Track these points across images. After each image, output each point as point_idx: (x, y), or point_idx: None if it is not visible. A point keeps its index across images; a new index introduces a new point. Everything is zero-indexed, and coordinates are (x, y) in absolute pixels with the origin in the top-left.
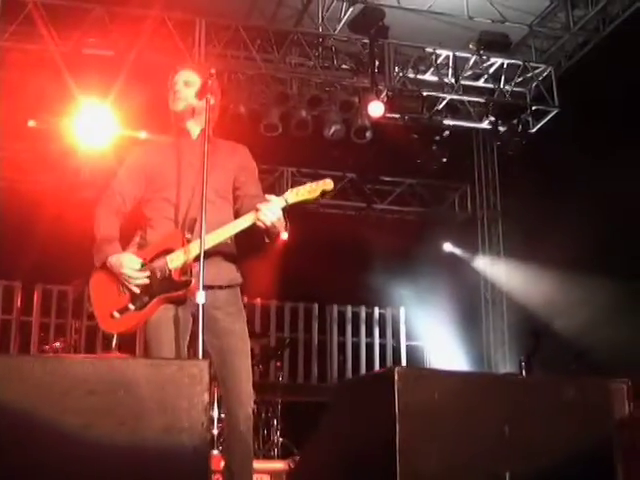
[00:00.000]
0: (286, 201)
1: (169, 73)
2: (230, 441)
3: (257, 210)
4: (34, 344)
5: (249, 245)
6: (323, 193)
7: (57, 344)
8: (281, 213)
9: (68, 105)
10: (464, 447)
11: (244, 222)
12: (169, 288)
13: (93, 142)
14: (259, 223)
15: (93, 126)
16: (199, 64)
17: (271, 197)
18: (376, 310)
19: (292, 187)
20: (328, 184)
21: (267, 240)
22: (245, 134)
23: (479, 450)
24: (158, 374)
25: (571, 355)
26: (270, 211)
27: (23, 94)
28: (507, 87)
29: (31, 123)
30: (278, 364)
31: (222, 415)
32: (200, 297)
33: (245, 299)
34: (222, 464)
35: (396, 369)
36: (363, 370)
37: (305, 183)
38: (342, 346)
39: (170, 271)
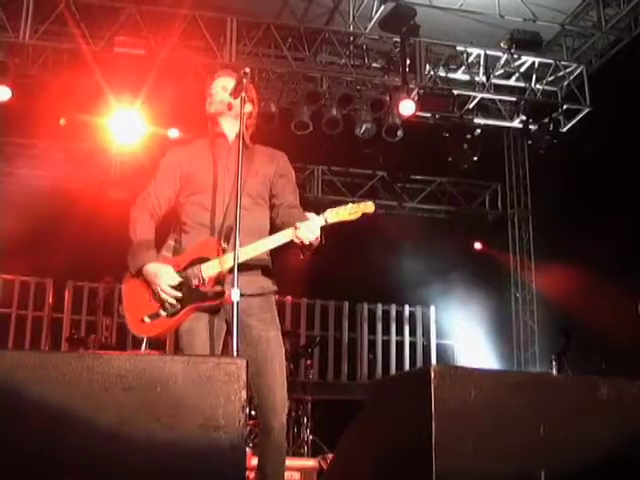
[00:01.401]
0: (326, 221)
1: (202, 73)
2: (265, 449)
3: (296, 228)
4: (65, 340)
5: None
6: (363, 215)
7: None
8: (319, 232)
9: (99, 104)
10: (499, 446)
11: (282, 238)
12: (202, 298)
13: (124, 140)
14: (297, 240)
15: (124, 124)
16: (236, 69)
17: (311, 215)
18: (406, 308)
19: (321, 186)
20: (369, 207)
21: (301, 255)
22: (276, 132)
23: (514, 449)
24: (195, 371)
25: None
26: (309, 230)
27: (55, 93)
28: (538, 86)
29: (62, 122)
30: (308, 362)
31: (252, 412)
32: (235, 295)
33: (276, 297)
34: (254, 462)
35: (432, 367)
36: (393, 368)
37: (339, 186)
38: (372, 344)
39: (204, 280)
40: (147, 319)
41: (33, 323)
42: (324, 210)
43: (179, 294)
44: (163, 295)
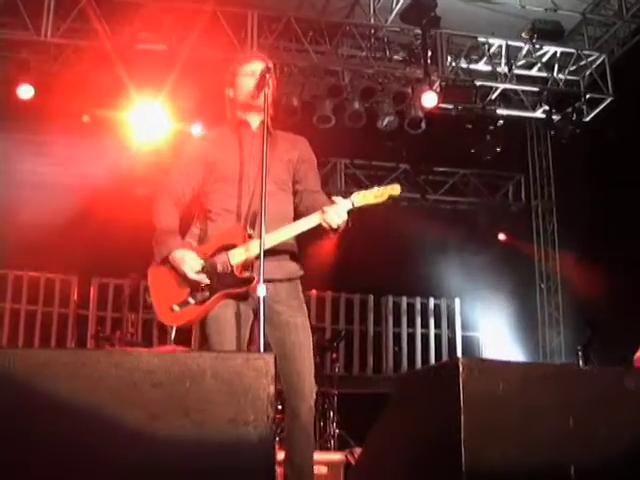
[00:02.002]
0: (352, 204)
1: (229, 63)
2: (292, 433)
3: (323, 212)
4: (91, 337)
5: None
6: (390, 197)
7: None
8: (346, 216)
9: (122, 100)
10: (528, 439)
11: (309, 223)
12: (230, 284)
13: (147, 137)
14: (324, 224)
15: (147, 121)
16: (262, 55)
17: (338, 199)
18: (431, 301)
19: (344, 179)
20: (395, 189)
21: (328, 237)
22: (298, 126)
23: (543, 442)
24: (224, 366)
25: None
26: (336, 214)
27: (77, 89)
28: (560, 75)
29: (85, 118)
30: (334, 356)
31: (279, 407)
32: (261, 290)
33: (302, 274)
34: (281, 456)
35: (460, 360)
36: (419, 361)
37: (362, 179)
38: (397, 337)
39: (232, 267)
40: (176, 307)
41: (59, 320)
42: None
43: (206, 279)
44: (191, 275)
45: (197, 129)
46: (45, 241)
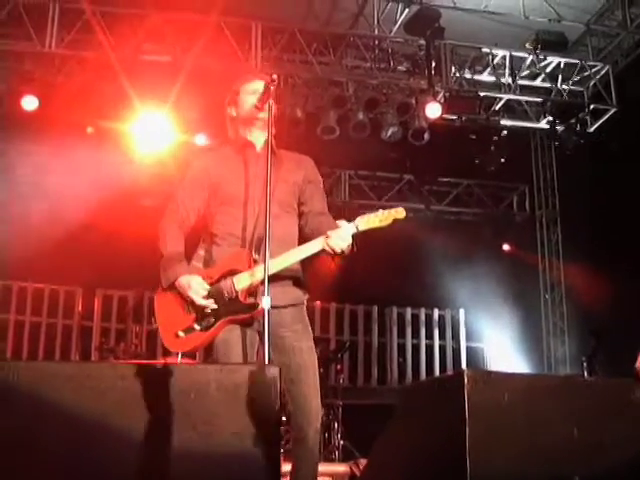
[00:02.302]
0: (357, 228)
1: (230, 80)
2: (298, 453)
3: (327, 237)
4: (95, 349)
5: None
6: (395, 221)
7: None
8: (351, 240)
9: (126, 111)
10: (533, 450)
11: (312, 248)
12: (235, 310)
13: (151, 148)
14: (328, 249)
15: (151, 132)
16: (262, 73)
17: (342, 223)
18: (435, 312)
19: (348, 190)
20: (400, 213)
21: (333, 262)
22: (302, 137)
23: (548, 453)
24: (229, 379)
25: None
26: (340, 238)
27: (81, 101)
28: (564, 86)
29: (89, 130)
30: (338, 367)
31: (283, 418)
32: (266, 302)
33: (306, 300)
34: (287, 468)
35: (465, 372)
36: (423, 372)
37: (366, 190)
38: (402, 348)
39: (237, 293)
40: (181, 334)
41: (63, 331)
42: (352, 215)
43: (213, 304)
44: (197, 300)
45: (201, 140)
46: (49, 252)
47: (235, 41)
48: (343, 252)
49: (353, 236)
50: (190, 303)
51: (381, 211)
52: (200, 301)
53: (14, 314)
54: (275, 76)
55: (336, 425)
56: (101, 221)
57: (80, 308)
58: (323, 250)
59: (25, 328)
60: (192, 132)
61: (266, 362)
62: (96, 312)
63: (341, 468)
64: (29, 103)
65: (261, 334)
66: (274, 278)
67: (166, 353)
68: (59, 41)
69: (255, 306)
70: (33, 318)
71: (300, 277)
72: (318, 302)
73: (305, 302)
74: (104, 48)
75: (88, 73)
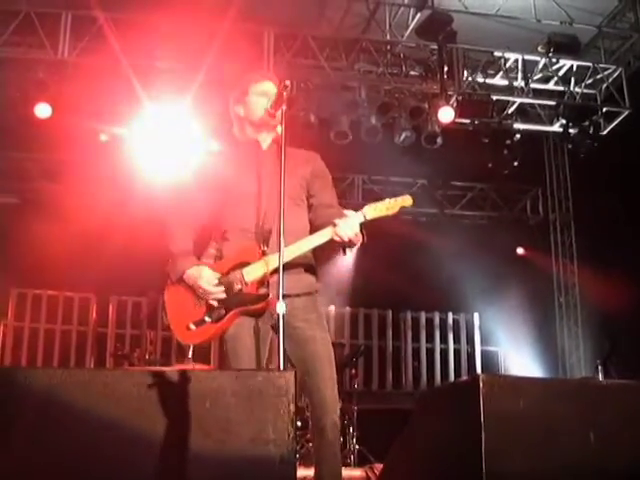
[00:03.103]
0: (364, 216)
1: (241, 80)
2: (319, 451)
3: (334, 225)
4: (110, 355)
5: (323, 252)
6: (402, 208)
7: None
8: (359, 228)
9: (140, 118)
10: (549, 455)
11: (321, 237)
12: (246, 301)
13: (166, 154)
14: (336, 238)
15: (165, 139)
16: (273, 74)
17: (349, 212)
18: (450, 316)
19: (361, 195)
20: (407, 200)
21: (343, 253)
22: (315, 142)
23: (565, 459)
24: (244, 385)
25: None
26: (348, 226)
27: (95, 108)
28: (577, 89)
29: (103, 137)
30: (353, 372)
31: (298, 423)
32: (280, 308)
33: (320, 289)
34: (303, 473)
35: (481, 377)
36: (438, 376)
37: (380, 195)
38: (416, 352)
39: (247, 284)
40: (192, 326)
41: (78, 338)
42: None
43: (223, 293)
44: (208, 296)
45: (216, 146)
46: (64, 260)
47: (248, 47)
48: (352, 241)
49: (361, 225)
50: (201, 294)
51: (387, 199)
52: (211, 288)
53: (29, 321)
54: (288, 82)
55: (351, 430)
56: (115, 228)
57: (95, 315)
58: (332, 239)
59: (40, 335)
60: (207, 138)
61: (281, 367)
62: (111, 318)
63: (357, 473)
64: (42, 111)
65: (274, 327)
66: (286, 267)
67: (181, 359)
68: (72, 49)
69: (265, 296)
70: (48, 325)
71: (312, 265)
72: (333, 307)
73: (318, 290)
74: (117, 55)
75: (101, 80)
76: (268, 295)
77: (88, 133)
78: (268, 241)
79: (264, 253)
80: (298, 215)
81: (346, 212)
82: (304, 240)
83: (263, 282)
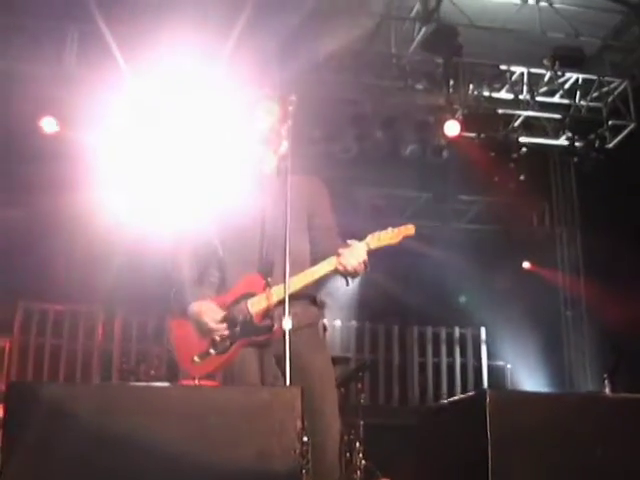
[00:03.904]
0: (368, 246)
1: (246, 100)
2: (318, 468)
3: (339, 255)
4: (116, 370)
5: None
6: (405, 238)
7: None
8: (362, 257)
9: (146, 132)
10: (557, 470)
11: (325, 267)
12: (251, 332)
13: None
14: (340, 267)
15: (172, 151)
16: (278, 93)
17: (353, 242)
18: (456, 330)
19: (368, 209)
20: (410, 229)
21: (346, 282)
22: (320, 156)
23: (572, 474)
24: (250, 400)
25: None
26: (352, 256)
27: (101, 122)
28: (583, 102)
29: (108, 150)
30: (359, 386)
31: (305, 439)
32: (287, 323)
33: (325, 321)
34: None
35: (487, 392)
36: (444, 391)
37: (385, 209)
38: (423, 367)
39: (251, 316)
40: (197, 359)
41: (84, 353)
42: (369, 233)
43: (226, 330)
44: (212, 325)
45: (220, 164)
46: (70, 274)
47: (253, 61)
48: (356, 271)
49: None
50: (204, 330)
51: (390, 228)
52: (214, 326)
53: (35, 336)
54: (294, 97)
55: (357, 444)
56: (122, 242)
57: (101, 330)
58: (336, 269)
59: (46, 350)
60: (211, 154)
61: (287, 383)
62: (117, 333)
63: None
64: (48, 124)
65: (277, 357)
66: (289, 300)
67: (186, 375)
68: (78, 63)
69: (271, 328)
70: (53, 340)
71: (314, 296)
72: (338, 321)
73: (320, 322)
74: (124, 68)
75: (108, 93)
76: (273, 326)
77: (94, 146)
78: (272, 272)
79: (268, 284)
80: (300, 244)
81: (350, 242)
82: (308, 272)
83: (267, 313)
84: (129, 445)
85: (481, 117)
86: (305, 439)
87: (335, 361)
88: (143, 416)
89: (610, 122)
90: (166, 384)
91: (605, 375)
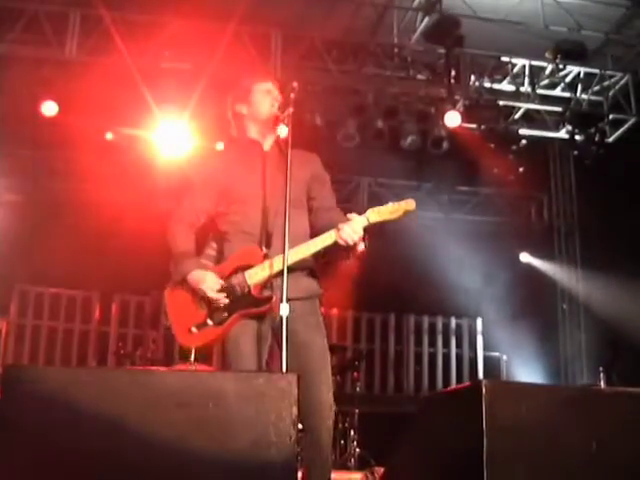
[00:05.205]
0: (368, 220)
1: (243, 79)
2: (310, 453)
3: (338, 229)
4: (112, 354)
5: (326, 257)
6: (405, 213)
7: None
8: (362, 232)
9: (146, 118)
10: (551, 463)
11: (325, 240)
12: (249, 304)
13: (170, 155)
14: (340, 242)
15: (171, 139)
16: (275, 76)
17: (353, 216)
18: (453, 320)
19: (367, 198)
20: (410, 204)
21: (346, 257)
22: (322, 145)
23: (566, 466)
24: (246, 387)
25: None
26: (352, 230)
27: (101, 107)
28: (584, 96)
29: (109, 136)
30: (355, 375)
31: (300, 426)
32: (284, 310)
33: (322, 310)
34: (300, 475)
35: (483, 382)
36: (440, 381)
37: (385, 198)
38: (419, 357)
39: (249, 287)
40: (194, 329)
41: (80, 336)
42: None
43: (225, 298)
44: (211, 294)
45: (221, 147)
46: (67, 257)
47: (254, 49)
48: (355, 245)
49: (365, 229)
50: (203, 298)
51: (391, 203)
52: (213, 295)
53: (31, 319)
54: (295, 84)
55: (352, 433)
56: (119, 227)
57: (98, 313)
58: (335, 243)
59: (42, 333)
60: (212, 139)
61: (283, 369)
62: (113, 317)
63: (357, 476)
64: (49, 109)
65: (275, 330)
66: (287, 271)
67: (183, 359)
68: (79, 48)
69: (269, 299)
70: (50, 323)
71: (313, 269)
72: (335, 310)
73: (319, 295)
74: (123, 55)
75: (108, 80)
76: (271, 298)
77: (94, 131)
78: (270, 243)
79: (266, 255)
80: (299, 218)
81: (349, 216)
82: (307, 243)
83: (266, 285)
84: (124, 430)
85: (482, 108)
86: (300, 426)
87: (331, 350)
88: (139, 401)
89: (611, 116)
90: (162, 369)
91: (601, 368)
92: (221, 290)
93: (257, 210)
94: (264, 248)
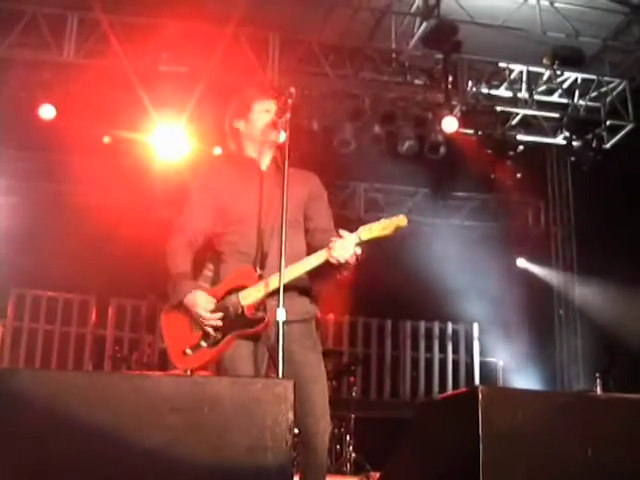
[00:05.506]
0: (359, 238)
1: (243, 94)
2: (307, 458)
3: (330, 248)
4: (108, 358)
5: (319, 275)
6: (397, 229)
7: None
8: (354, 250)
9: (143, 121)
10: (548, 468)
11: (316, 260)
12: (242, 325)
13: (168, 158)
14: (332, 260)
15: (168, 142)
16: (278, 87)
17: (344, 233)
18: (449, 326)
19: (364, 203)
20: (402, 220)
21: (338, 275)
22: (318, 150)
23: (562, 472)
24: (242, 392)
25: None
26: (343, 248)
27: (98, 110)
28: (581, 102)
29: (106, 139)
30: (351, 380)
31: (296, 431)
32: (280, 314)
33: (318, 314)
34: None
35: (480, 388)
36: (436, 386)
37: (382, 203)
38: (415, 362)
39: (243, 308)
40: (189, 351)
41: (76, 340)
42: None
43: (219, 320)
44: (204, 322)
45: (219, 151)
46: (64, 261)
47: (252, 52)
48: (347, 263)
49: (358, 245)
50: (197, 320)
51: (383, 219)
52: (206, 315)
53: (28, 322)
54: (293, 89)
55: (348, 437)
56: (116, 231)
57: (94, 317)
58: (327, 261)
59: (38, 336)
60: (209, 142)
61: (279, 374)
62: (110, 321)
63: None
64: (46, 112)
65: (270, 349)
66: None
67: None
68: (77, 50)
69: (262, 320)
70: (47, 326)
71: (308, 290)
72: (332, 315)
73: (315, 317)
74: (121, 58)
75: (105, 83)
76: (264, 319)
77: (91, 135)
78: (264, 264)
79: (260, 277)
80: (295, 238)
81: (341, 233)
82: (300, 262)
83: (259, 306)
84: (120, 435)
85: (479, 114)
86: (296, 431)
87: (328, 354)
88: (134, 406)
89: (608, 122)
90: (158, 373)
91: (597, 374)
92: (215, 311)
93: (254, 230)
94: (258, 269)
